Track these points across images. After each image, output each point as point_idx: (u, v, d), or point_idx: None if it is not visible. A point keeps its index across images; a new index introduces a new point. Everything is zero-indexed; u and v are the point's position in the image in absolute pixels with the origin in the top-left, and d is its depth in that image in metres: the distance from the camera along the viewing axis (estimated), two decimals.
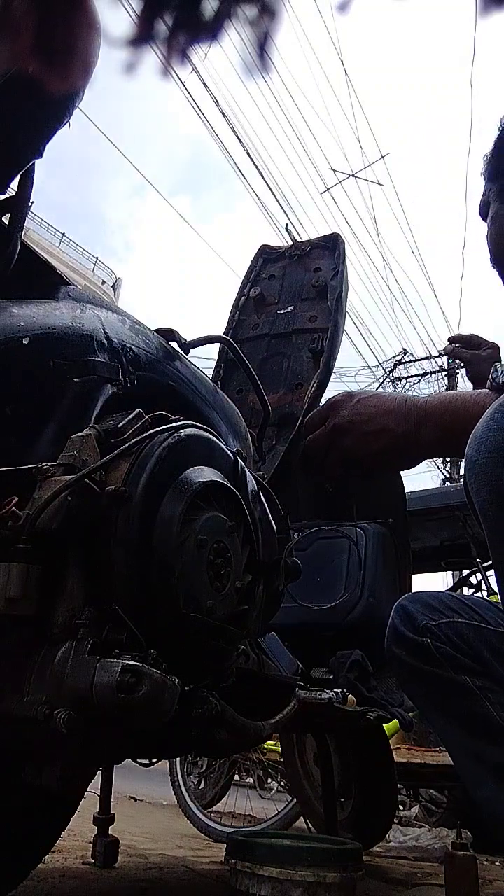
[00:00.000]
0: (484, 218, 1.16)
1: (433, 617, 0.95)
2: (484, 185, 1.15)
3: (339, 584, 1.68)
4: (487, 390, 0.92)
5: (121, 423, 0.87)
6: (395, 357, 11.90)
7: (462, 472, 0.81)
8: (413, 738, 3.29)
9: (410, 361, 11.90)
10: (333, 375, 1.90)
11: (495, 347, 1.25)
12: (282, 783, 2.99)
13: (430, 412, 0.91)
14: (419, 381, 11.82)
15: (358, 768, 2.16)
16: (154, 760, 1.37)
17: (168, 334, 1.14)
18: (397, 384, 11.65)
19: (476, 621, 0.95)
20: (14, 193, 0.90)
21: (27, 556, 0.72)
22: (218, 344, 1.55)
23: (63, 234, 22.86)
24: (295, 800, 2.40)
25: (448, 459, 11.16)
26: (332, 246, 1.96)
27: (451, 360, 11.74)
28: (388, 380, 11.58)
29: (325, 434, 0.95)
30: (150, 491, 0.82)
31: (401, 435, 0.91)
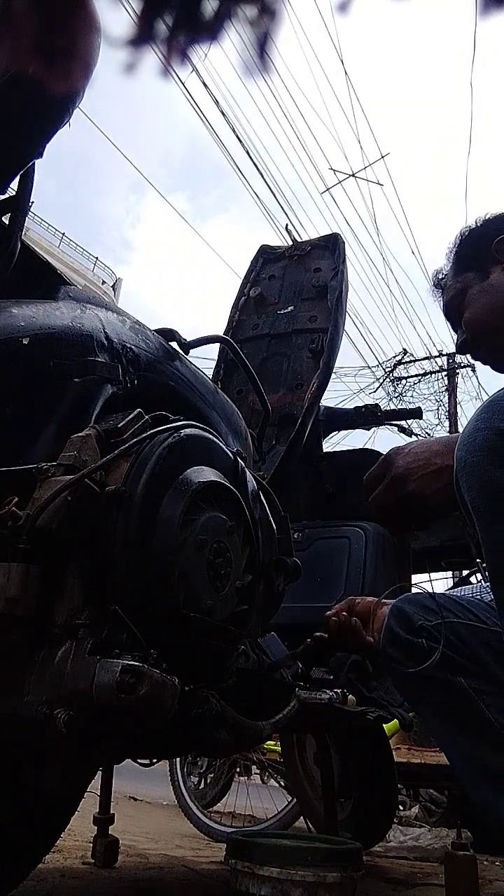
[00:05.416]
0: (455, 317, 1.18)
1: (429, 617, 0.95)
2: (450, 281, 1.19)
3: (339, 584, 1.68)
4: None
5: (121, 423, 0.87)
6: (395, 357, 11.88)
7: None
8: (413, 738, 3.29)
9: (410, 361, 11.88)
10: (333, 375, 1.91)
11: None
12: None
13: None
14: (419, 381, 11.80)
15: (358, 768, 2.16)
16: (154, 760, 1.37)
17: (168, 334, 1.14)
18: (397, 384, 11.62)
19: (472, 621, 0.95)
20: (14, 193, 0.91)
21: (27, 556, 0.72)
22: (218, 344, 1.55)
23: (63, 234, 22.84)
24: (295, 800, 2.40)
25: None
26: (332, 246, 1.96)
27: (450, 360, 11.72)
28: (388, 380, 11.56)
29: (386, 487, 0.95)
30: (151, 491, 0.82)
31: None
